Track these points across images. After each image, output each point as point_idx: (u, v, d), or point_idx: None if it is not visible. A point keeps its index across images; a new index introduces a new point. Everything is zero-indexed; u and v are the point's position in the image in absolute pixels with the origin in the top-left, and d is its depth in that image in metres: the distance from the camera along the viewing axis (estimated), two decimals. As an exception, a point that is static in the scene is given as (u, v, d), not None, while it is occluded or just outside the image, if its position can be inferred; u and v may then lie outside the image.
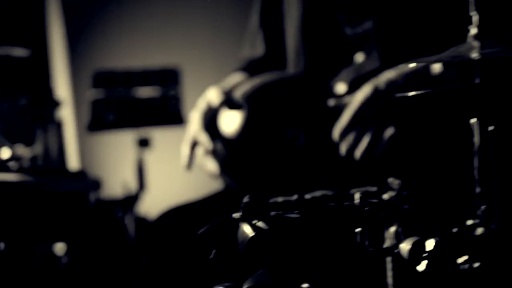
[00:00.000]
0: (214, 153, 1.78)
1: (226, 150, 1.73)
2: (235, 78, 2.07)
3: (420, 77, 1.61)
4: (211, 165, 1.81)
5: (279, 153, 1.66)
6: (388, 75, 1.65)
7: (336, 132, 1.64)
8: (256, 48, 2.12)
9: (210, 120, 1.83)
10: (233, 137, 1.72)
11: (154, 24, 4.32)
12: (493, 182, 1.22)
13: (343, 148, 1.64)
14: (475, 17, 1.23)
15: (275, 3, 2.05)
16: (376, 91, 1.64)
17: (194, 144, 1.86)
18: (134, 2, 4.34)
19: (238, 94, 1.78)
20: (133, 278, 2.48)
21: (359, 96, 1.65)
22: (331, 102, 1.71)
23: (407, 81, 1.63)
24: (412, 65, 1.64)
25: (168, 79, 3.39)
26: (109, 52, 4.27)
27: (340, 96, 1.71)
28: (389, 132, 1.63)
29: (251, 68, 2.11)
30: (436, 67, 1.53)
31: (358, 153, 1.62)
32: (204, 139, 1.81)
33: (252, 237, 1.22)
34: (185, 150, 1.87)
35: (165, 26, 4.33)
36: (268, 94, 1.76)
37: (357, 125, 1.63)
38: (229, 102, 1.77)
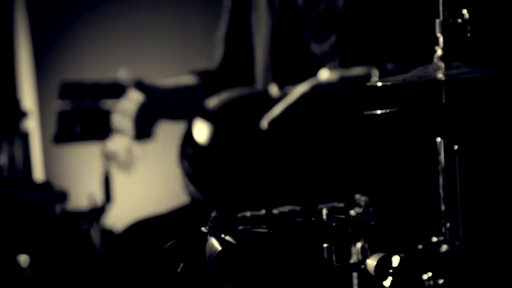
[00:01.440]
0: (184, 163, 1.78)
1: (194, 166, 1.73)
2: (186, 79, 2.07)
3: (360, 84, 1.64)
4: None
5: (247, 168, 1.67)
6: (330, 76, 1.68)
7: (265, 121, 1.66)
8: (213, 59, 2.13)
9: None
10: (201, 152, 1.72)
11: (122, 36, 4.31)
12: (458, 200, 1.24)
13: (265, 123, 1.65)
14: (440, 39, 1.25)
15: (243, 18, 2.06)
16: (315, 89, 1.66)
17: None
18: (102, 14, 4.33)
19: (206, 108, 1.79)
20: (98, 290, 2.47)
21: (297, 91, 1.67)
22: (274, 90, 1.73)
23: (346, 84, 1.65)
24: (355, 71, 1.67)
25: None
26: (76, 64, 4.26)
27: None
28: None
29: (206, 76, 2.11)
30: (375, 77, 1.56)
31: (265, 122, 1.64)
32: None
33: (220, 251, 1.23)
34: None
35: (133, 38, 4.32)
36: (236, 109, 1.76)
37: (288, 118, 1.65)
38: (192, 126, 1.78)
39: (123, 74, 1.82)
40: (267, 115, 1.66)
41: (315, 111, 1.64)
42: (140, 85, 1.84)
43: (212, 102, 1.81)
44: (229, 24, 2.12)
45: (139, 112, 1.86)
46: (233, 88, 1.89)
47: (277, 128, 1.65)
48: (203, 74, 2.12)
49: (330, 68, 1.83)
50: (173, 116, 1.93)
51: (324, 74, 1.76)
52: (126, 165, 1.95)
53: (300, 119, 1.65)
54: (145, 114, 1.87)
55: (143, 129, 1.88)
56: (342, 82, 1.67)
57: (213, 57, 2.15)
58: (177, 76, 2.11)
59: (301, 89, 1.66)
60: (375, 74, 1.66)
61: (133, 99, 1.88)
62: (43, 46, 4.25)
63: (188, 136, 1.78)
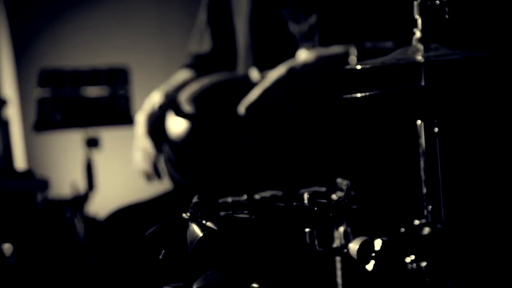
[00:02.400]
0: (165, 152, 1.78)
1: (175, 152, 1.73)
2: (182, 75, 2.07)
3: (337, 64, 1.64)
4: (157, 171, 1.81)
5: (228, 154, 1.67)
6: (306, 56, 1.67)
7: (242, 106, 1.65)
8: (203, 44, 2.12)
9: (156, 123, 1.83)
10: (182, 138, 1.72)
11: (101, 22, 4.29)
12: (439, 182, 1.24)
13: (242, 108, 1.65)
14: (418, 21, 1.25)
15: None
16: (290, 71, 1.65)
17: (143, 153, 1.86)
18: (81, 1, 4.30)
19: (185, 95, 1.78)
20: (82, 278, 2.47)
21: (273, 75, 1.66)
22: (254, 75, 1.72)
23: (323, 65, 1.65)
24: (332, 50, 1.67)
25: (117, 78, 3.37)
26: (56, 51, 4.23)
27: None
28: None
29: (198, 64, 2.11)
30: (353, 58, 1.56)
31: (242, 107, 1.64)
32: (148, 145, 1.81)
33: (202, 237, 1.23)
34: (137, 156, 1.87)
35: (112, 25, 4.30)
36: (216, 95, 1.76)
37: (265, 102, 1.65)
38: (174, 107, 1.77)
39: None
40: (244, 101, 1.65)
41: (293, 94, 1.64)
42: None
43: (192, 88, 1.80)
44: (210, 6, 2.11)
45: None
46: (214, 73, 1.88)
47: (255, 113, 1.64)
48: (198, 58, 2.11)
49: (309, 48, 1.83)
50: None
51: (302, 55, 1.75)
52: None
53: (277, 103, 1.64)
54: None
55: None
56: (319, 62, 1.66)
57: (198, 41, 2.14)
58: (175, 73, 2.10)
59: (277, 72, 1.66)
60: (353, 52, 1.66)
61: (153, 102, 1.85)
62: (22, 33, 4.22)
63: (168, 122, 1.77)
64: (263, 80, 1.68)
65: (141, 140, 1.83)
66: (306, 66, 1.66)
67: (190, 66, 2.12)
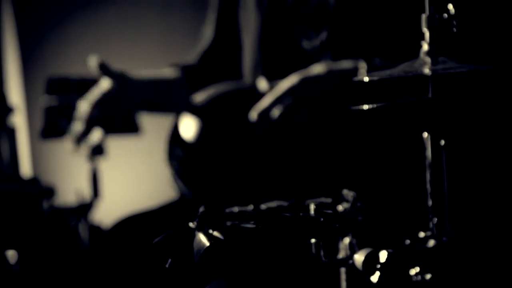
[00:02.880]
0: (172, 158, 1.78)
1: (182, 161, 1.73)
2: (165, 71, 2.06)
3: (347, 77, 1.64)
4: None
5: (235, 163, 1.67)
6: (318, 69, 1.68)
7: (255, 112, 1.65)
8: (197, 52, 2.12)
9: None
10: (190, 147, 1.72)
11: (108, 32, 4.31)
12: (445, 195, 1.24)
13: (254, 114, 1.65)
14: (426, 34, 1.26)
15: (231, 14, 2.06)
16: (304, 81, 1.66)
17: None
18: (89, 9, 4.32)
19: (194, 103, 1.79)
20: (87, 286, 2.47)
21: (285, 83, 1.67)
22: (262, 85, 1.73)
23: (334, 77, 1.66)
24: (343, 64, 1.68)
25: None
26: (63, 59, 4.24)
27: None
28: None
29: (188, 70, 2.10)
30: (363, 72, 1.56)
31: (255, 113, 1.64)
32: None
33: (208, 246, 1.23)
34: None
35: (118, 34, 4.31)
36: (224, 103, 1.76)
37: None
38: (179, 122, 1.77)
39: (93, 62, 1.81)
40: (256, 106, 1.66)
41: (305, 103, 1.64)
42: (106, 70, 1.83)
43: (199, 96, 1.80)
44: (217, 20, 2.11)
45: (104, 98, 1.84)
46: (220, 83, 1.88)
47: (266, 120, 1.65)
48: (184, 68, 2.11)
49: (320, 65, 1.84)
50: (150, 107, 1.92)
51: (314, 68, 1.76)
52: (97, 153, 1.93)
53: (289, 111, 1.65)
54: (112, 101, 1.86)
55: (111, 117, 1.87)
56: (330, 74, 1.67)
57: (194, 51, 2.15)
58: (157, 69, 2.10)
59: (290, 81, 1.67)
60: (362, 67, 1.67)
61: (101, 86, 1.87)
62: (30, 41, 4.23)
63: (175, 132, 1.78)
64: (275, 88, 1.68)
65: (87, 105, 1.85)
66: (318, 77, 1.67)
67: (178, 66, 2.12)
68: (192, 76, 2.07)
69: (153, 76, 1.97)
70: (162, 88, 1.91)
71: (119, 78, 1.84)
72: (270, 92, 1.68)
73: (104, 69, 1.82)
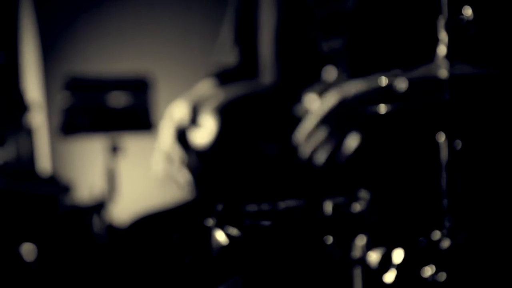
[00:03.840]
0: (187, 167, 1.79)
1: (199, 164, 1.74)
2: (206, 85, 2.08)
3: (386, 93, 1.64)
4: (184, 178, 1.81)
5: (252, 165, 1.68)
6: (356, 87, 1.68)
7: (301, 135, 1.66)
8: (229, 57, 2.13)
9: (180, 134, 1.84)
10: (207, 148, 1.73)
11: (126, 30, 4.32)
12: (460, 197, 1.25)
13: (307, 150, 1.65)
14: (444, 37, 1.26)
15: (250, 13, 2.06)
16: (342, 101, 1.66)
17: (168, 158, 1.86)
18: (108, 7, 4.34)
19: (210, 106, 1.80)
20: (103, 284, 2.48)
21: (325, 103, 1.67)
22: (300, 111, 1.73)
23: (374, 95, 1.65)
24: (381, 80, 1.68)
25: (140, 86, 3.40)
26: (82, 57, 4.27)
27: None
28: (353, 140, 1.65)
29: (223, 76, 2.12)
30: (402, 85, 1.57)
31: (321, 157, 1.64)
32: (178, 152, 1.81)
33: (225, 245, 1.24)
34: (159, 164, 1.87)
35: (137, 32, 4.33)
36: (241, 106, 1.77)
37: (321, 131, 1.65)
38: (196, 123, 1.78)
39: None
40: (301, 130, 1.65)
41: (342, 128, 1.64)
42: None
43: (216, 99, 1.81)
44: (237, 20, 2.12)
45: None
46: (237, 84, 1.89)
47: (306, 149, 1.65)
48: (224, 71, 2.12)
49: (335, 68, 1.84)
50: None
51: (351, 86, 1.74)
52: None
53: (329, 135, 1.65)
54: None
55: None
56: (368, 93, 1.66)
57: (223, 54, 2.15)
58: (201, 84, 2.11)
59: (327, 103, 1.65)
60: (399, 82, 1.66)
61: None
62: (50, 38, 4.26)
63: (190, 136, 1.79)
64: (315, 109, 1.67)
65: (171, 149, 1.83)
66: (356, 98, 1.65)
67: (214, 76, 2.13)
68: (229, 81, 2.08)
69: (201, 95, 1.97)
70: None
71: None
72: (310, 115, 1.67)
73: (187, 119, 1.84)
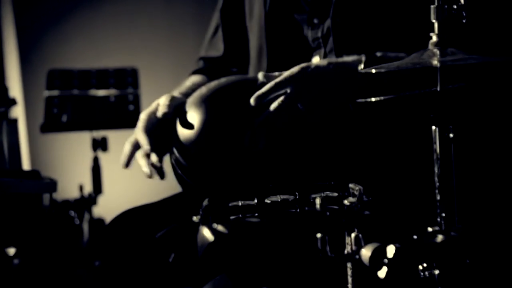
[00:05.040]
0: (173, 153, 1.76)
1: (184, 155, 1.71)
2: (192, 79, 2.06)
3: (348, 70, 1.63)
4: (146, 168, 1.79)
5: (239, 157, 1.65)
6: (319, 61, 1.67)
7: (253, 98, 1.64)
8: (215, 48, 2.11)
9: (157, 123, 1.81)
10: (192, 140, 1.70)
11: (109, 23, 4.29)
12: (454, 189, 1.22)
13: (253, 100, 1.64)
14: (435, 25, 1.24)
15: (237, 1, 2.05)
16: (303, 70, 1.64)
17: (136, 145, 1.84)
18: (87, 3, 4.30)
19: (195, 97, 1.77)
20: (86, 280, 2.46)
21: (285, 73, 1.66)
22: (260, 77, 1.71)
23: (335, 69, 1.64)
24: (344, 59, 1.66)
25: (125, 80, 3.37)
26: (62, 52, 4.23)
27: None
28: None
29: (209, 69, 2.10)
30: (373, 69, 1.55)
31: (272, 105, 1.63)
32: (143, 140, 1.79)
33: (212, 242, 1.21)
34: (126, 148, 1.85)
35: (120, 26, 4.30)
36: (226, 96, 1.74)
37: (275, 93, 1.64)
38: (180, 115, 1.76)
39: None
40: (256, 93, 1.64)
41: (304, 93, 1.63)
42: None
43: (200, 90, 1.78)
44: (222, 9, 2.09)
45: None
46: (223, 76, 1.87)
47: (265, 108, 1.63)
48: (209, 62, 2.10)
49: (323, 54, 1.82)
50: None
51: (315, 60, 1.74)
52: None
53: (288, 101, 1.63)
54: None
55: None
56: (331, 66, 1.65)
57: (210, 45, 2.13)
58: (188, 78, 2.08)
59: (290, 71, 1.65)
60: (363, 61, 1.65)
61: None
62: (28, 35, 4.22)
63: (177, 126, 1.76)
64: (274, 78, 1.67)
65: (137, 136, 1.81)
66: (318, 68, 1.65)
67: (200, 71, 2.11)
68: (216, 69, 2.06)
69: (191, 88, 1.95)
70: None
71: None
72: (271, 81, 1.66)
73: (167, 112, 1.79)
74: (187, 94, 1.86)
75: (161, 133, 1.80)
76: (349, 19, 1.77)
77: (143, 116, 1.83)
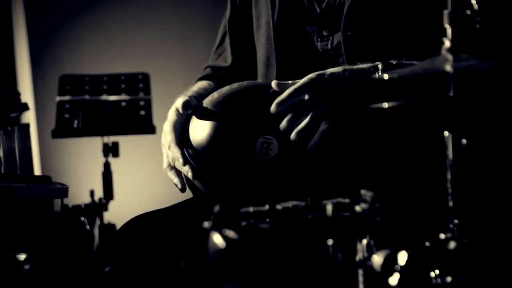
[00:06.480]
0: (185, 158, 1.76)
1: (196, 160, 1.71)
2: (200, 84, 2.05)
3: (363, 76, 1.62)
4: (177, 180, 1.78)
5: (250, 162, 1.65)
6: (334, 68, 1.67)
7: (274, 105, 1.64)
8: (223, 58, 2.11)
9: (181, 130, 1.80)
10: (203, 146, 1.70)
11: (121, 30, 4.30)
12: (466, 195, 1.21)
13: (274, 107, 1.64)
14: (448, 30, 1.23)
15: (244, 11, 2.04)
16: (319, 76, 1.64)
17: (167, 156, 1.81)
18: (98, 9, 4.31)
19: (207, 101, 1.77)
20: (97, 286, 2.45)
21: (302, 80, 1.65)
22: (274, 85, 1.71)
23: (350, 75, 1.63)
24: (358, 66, 1.66)
25: (136, 85, 3.37)
26: (75, 58, 4.24)
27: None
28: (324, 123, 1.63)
29: (217, 76, 2.09)
30: (386, 74, 1.54)
31: (294, 134, 1.62)
32: (177, 155, 1.76)
33: (223, 248, 1.21)
34: (171, 175, 1.81)
35: (132, 32, 4.31)
36: (238, 101, 1.74)
37: (296, 104, 1.64)
38: (198, 111, 1.75)
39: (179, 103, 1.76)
40: (276, 100, 1.64)
41: (321, 99, 1.63)
42: (189, 108, 1.77)
43: (212, 96, 1.78)
44: (230, 19, 2.09)
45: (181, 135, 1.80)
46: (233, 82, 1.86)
47: (285, 112, 1.63)
48: (217, 70, 2.09)
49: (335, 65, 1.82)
50: None
51: (329, 68, 1.74)
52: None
53: (306, 107, 1.63)
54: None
55: None
56: (346, 72, 1.65)
57: (218, 54, 2.13)
58: (196, 83, 2.07)
59: (307, 77, 1.65)
60: (379, 68, 1.64)
61: (173, 124, 1.80)
62: (40, 40, 4.23)
63: (188, 131, 1.76)
64: (287, 86, 1.67)
65: (172, 152, 1.78)
66: (333, 74, 1.65)
67: (208, 77, 2.11)
68: (224, 78, 2.05)
69: (200, 93, 1.94)
70: None
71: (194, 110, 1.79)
72: (289, 87, 1.66)
73: (189, 107, 1.77)
74: (194, 97, 1.86)
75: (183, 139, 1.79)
76: (361, 32, 1.77)
77: (169, 128, 1.80)
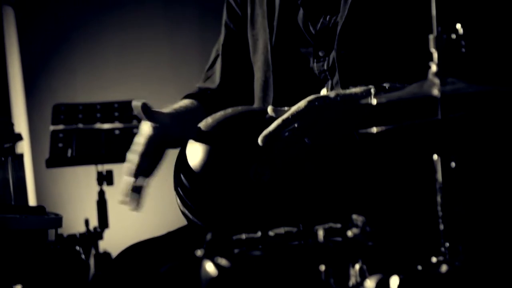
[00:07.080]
0: (179, 186, 1.76)
1: (190, 183, 1.71)
2: (181, 103, 2.04)
3: (355, 102, 1.63)
4: (132, 195, 1.79)
5: (243, 189, 1.65)
6: (326, 93, 1.67)
7: (261, 137, 1.64)
8: (211, 80, 2.11)
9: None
10: (197, 172, 1.70)
11: (114, 57, 4.31)
12: (457, 218, 1.22)
13: (260, 140, 1.63)
14: (434, 54, 1.24)
15: (239, 36, 2.05)
16: (310, 104, 1.64)
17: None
18: (91, 37, 4.32)
19: (201, 126, 1.77)
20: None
21: (292, 108, 1.66)
22: (269, 111, 1.71)
23: (342, 101, 1.64)
24: (351, 90, 1.66)
25: (130, 113, 3.37)
26: (68, 87, 4.25)
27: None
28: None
29: (202, 97, 2.09)
30: (374, 100, 1.55)
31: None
32: (138, 162, 1.78)
33: (215, 276, 1.21)
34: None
35: (125, 60, 4.32)
36: (232, 127, 1.74)
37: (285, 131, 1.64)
38: (186, 145, 1.75)
39: (137, 106, 1.76)
40: (264, 132, 1.64)
41: (311, 128, 1.63)
42: (150, 115, 1.78)
43: (206, 121, 1.78)
44: (225, 42, 2.10)
45: (150, 147, 1.80)
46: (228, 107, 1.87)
47: (273, 144, 1.63)
48: (202, 93, 2.10)
49: (330, 86, 1.83)
50: (176, 144, 1.88)
51: (322, 92, 1.75)
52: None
53: (295, 137, 1.63)
54: (156, 146, 1.82)
55: (151, 165, 1.83)
56: (338, 98, 1.65)
57: (209, 75, 2.13)
58: (177, 101, 2.07)
59: (297, 105, 1.65)
60: (372, 92, 1.65)
61: (144, 133, 1.81)
62: (33, 70, 4.24)
63: (182, 159, 1.76)
64: (282, 113, 1.67)
65: (136, 156, 1.80)
66: (325, 100, 1.65)
67: (193, 96, 2.10)
68: (211, 101, 2.05)
69: (178, 110, 1.94)
70: (189, 122, 1.87)
71: (161, 121, 1.80)
72: (278, 117, 1.66)
73: (149, 113, 1.78)
74: (172, 114, 1.86)
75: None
76: (354, 51, 1.78)
77: (141, 140, 1.82)
